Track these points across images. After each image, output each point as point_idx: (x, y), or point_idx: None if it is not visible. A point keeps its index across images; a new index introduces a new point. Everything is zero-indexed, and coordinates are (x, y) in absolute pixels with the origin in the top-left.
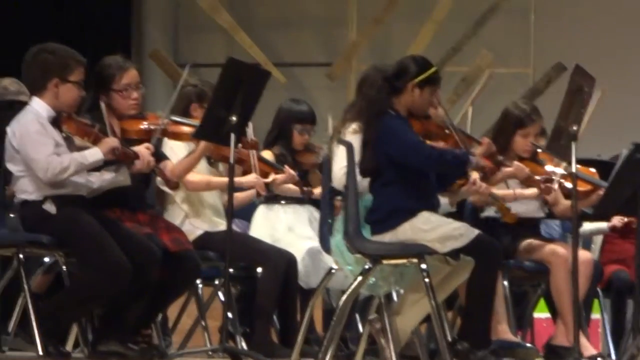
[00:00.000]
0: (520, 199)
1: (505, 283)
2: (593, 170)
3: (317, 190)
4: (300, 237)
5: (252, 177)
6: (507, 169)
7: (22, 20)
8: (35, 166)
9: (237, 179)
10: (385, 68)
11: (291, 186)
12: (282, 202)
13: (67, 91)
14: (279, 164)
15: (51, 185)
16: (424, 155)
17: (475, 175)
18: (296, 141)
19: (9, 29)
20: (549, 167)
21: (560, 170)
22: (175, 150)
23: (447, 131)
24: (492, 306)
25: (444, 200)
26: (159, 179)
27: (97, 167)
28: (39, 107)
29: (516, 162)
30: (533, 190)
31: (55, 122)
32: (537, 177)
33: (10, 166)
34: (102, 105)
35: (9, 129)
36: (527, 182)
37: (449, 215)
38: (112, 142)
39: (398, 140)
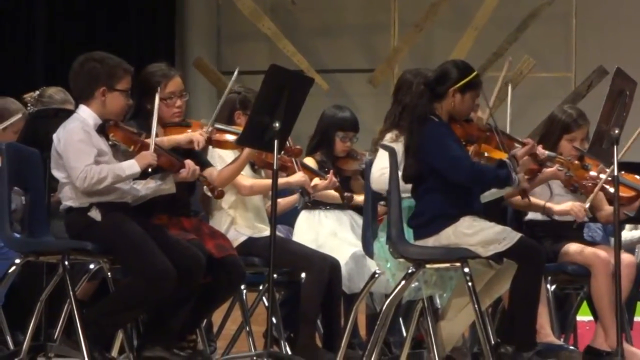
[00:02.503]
0: (548, 214)
1: (548, 286)
2: (639, 177)
3: (358, 197)
4: (343, 242)
5: (299, 176)
6: (549, 170)
7: (69, 30)
8: (73, 174)
9: (284, 179)
10: (420, 72)
11: (332, 192)
12: (324, 207)
13: (114, 99)
14: (321, 171)
15: (96, 192)
16: (462, 171)
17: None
18: (338, 148)
19: (56, 38)
20: (593, 173)
21: (604, 176)
22: (225, 158)
23: (488, 134)
24: (537, 309)
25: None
26: (205, 187)
27: (143, 175)
28: (86, 115)
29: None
30: (565, 206)
31: (102, 130)
32: (583, 181)
33: (56, 173)
34: (156, 103)
35: (55, 136)
36: (569, 183)
37: (492, 218)
38: (150, 157)
39: (439, 151)
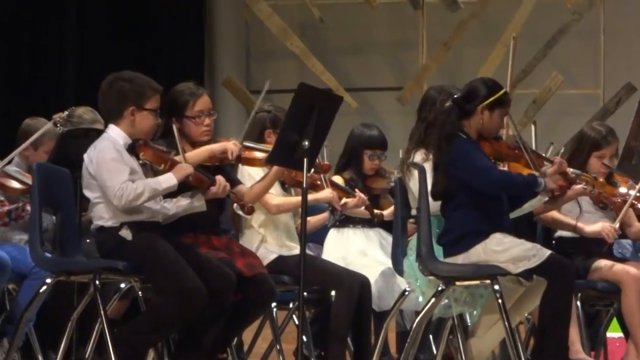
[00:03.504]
0: (579, 233)
1: (578, 303)
2: None
3: (387, 211)
4: (373, 259)
5: (327, 192)
6: (577, 187)
7: (98, 49)
8: (109, 193)
9: (312, 195)
10: (444, 89)
11: (361, 210)
12: (353, 225)
13: (143, 119)
14: (349, 189)
15: (127, 212)
16: (492, 180)
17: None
18: (366, 166)
19: (86, 58)
20: (622, 189)
21: (634, 192)
22: (254, 176)
23: (517, 152)
24: (568, 326)
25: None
26: (235, 205)
27: (173, 193)
28: (115, 135)
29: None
30: (596, 227)
31: (132, 149)
32: (612, 198)
33: (88, 193)
34: (175, 128)
35: (86, 156)
36: (599, 199)
37: (521, 235)
38: (186, 168)
39: (468, 164)
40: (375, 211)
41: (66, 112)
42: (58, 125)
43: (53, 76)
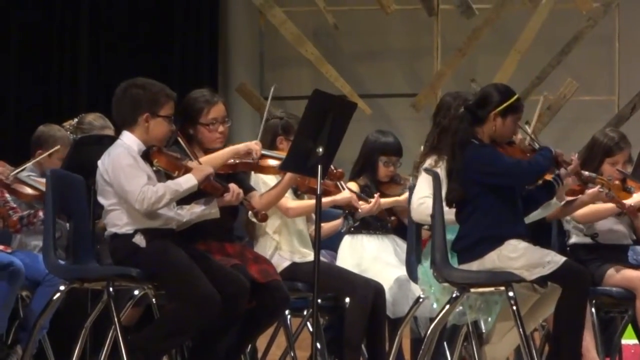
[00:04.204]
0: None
1: (593, 310)
2: None
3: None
4: (387, 266)
5: (346, 194)
6: (592, 190)
7: (112, 56)
8: (130, 198)
9: (330, 197)
10: (460, 95)
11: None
12: (367, 232)
13: (157, 125)
14: (364, 195)
15: (147, 216)
16: (527, 174)
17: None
18: (381, 173)
19: (100, 65)
20: (637, 195)
21: None
22: (268, 183)
23: (530, 155)
24: (582, 332)
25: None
26: (249, 212)
27: (186, 200)
28: (129, 141)
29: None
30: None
31: (146, 156)
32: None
33: (102, 200)
34: (180, 138)
35: (100, 163)
36: (614, 202)
37: (536, 241)
38: (206, 169)
39: (497, 167)
40: (392, 218)
41: (76, 120)
42: (68, 132)
43: (66, 84)
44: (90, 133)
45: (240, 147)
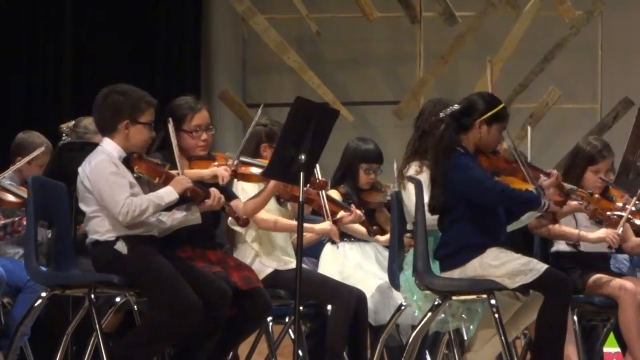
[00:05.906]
0: (583, 241)
1: (575, 318)
2: None
3: (383, 238)
4: (369, 274)
5: (325, 225)
6: (573, 202)
7: (95, 63)
8: (114, 209)
9: (310, 226)
10: (441, 101)
11: (358, 226)
12: (349, 239)
13: (138, 132)
14: (345, 203)
15: (129, 226)
16: (490, 191)
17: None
18: (362, 180)
19: (82, 71)
20: (618, 204)
21: (630, 207)
22: (247, 191)
23: (514, 165)
24: (564, 340)
25: None
26: (230, 218)
27: (169, 207)
28: (110, 148)
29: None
30: (600, 233)
31: (127, 163)
32: (607, 213)
33: (83, 206)
34: (170, 126)
35: (80, 170)
36: (594, 215)
37: (518, 249)
38: (184, 181)
39: (465, 177)
40: (374, 227)
41: (72, 122)
42: (64, 135)
43: (49, 89)
44: (83, 137)
45: (206, 172)
